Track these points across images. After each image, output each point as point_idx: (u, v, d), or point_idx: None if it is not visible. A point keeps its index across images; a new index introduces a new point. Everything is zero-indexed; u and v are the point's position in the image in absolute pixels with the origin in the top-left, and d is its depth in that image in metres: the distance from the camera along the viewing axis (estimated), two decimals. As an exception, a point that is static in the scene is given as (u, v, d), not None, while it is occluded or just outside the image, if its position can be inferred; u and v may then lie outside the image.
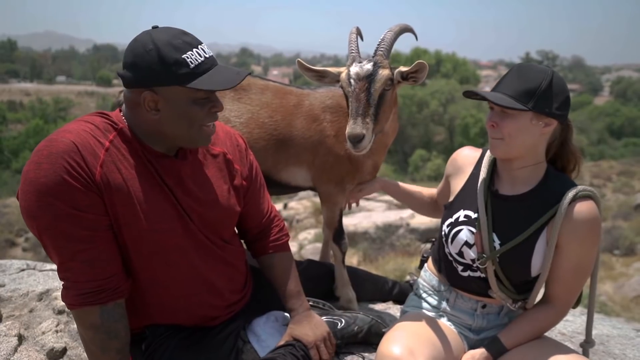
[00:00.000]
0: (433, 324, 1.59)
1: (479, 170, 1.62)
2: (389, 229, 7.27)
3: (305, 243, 7.78)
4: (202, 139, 1.39)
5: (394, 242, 7.15)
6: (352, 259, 6.80)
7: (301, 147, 2.08)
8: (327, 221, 2.20)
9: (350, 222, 7.38)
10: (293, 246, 7.48)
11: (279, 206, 10.34)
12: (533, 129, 1.44)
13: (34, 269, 2.29)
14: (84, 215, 1.25)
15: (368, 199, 10.35)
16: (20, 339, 1.73)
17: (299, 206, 10.40)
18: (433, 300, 1.69)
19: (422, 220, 7.30)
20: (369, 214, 8.37)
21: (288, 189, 2.24)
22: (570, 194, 1.44)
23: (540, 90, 1.41)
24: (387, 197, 10.70)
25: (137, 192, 1.33)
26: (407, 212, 7.77)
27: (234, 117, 2.07)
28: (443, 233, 1.63)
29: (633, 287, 7.15)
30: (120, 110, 1.39)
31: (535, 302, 1.58)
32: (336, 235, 2.20)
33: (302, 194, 10.73)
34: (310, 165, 2.10)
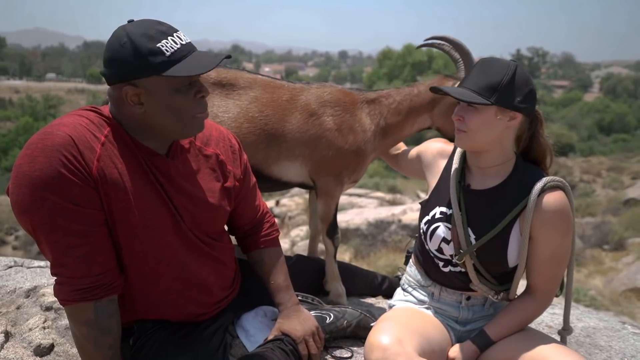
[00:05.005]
0: (420, 316, 1.61)
1: (452, 164, 1.64)
2: (380, 225, 7.31)
3: (298, 240, 7.80)
4: (195, 127, 1.38)
5: (385, 238, 7.19)
6: (344, 255, 6.82)
7: (296, 141, 2.08)
8: (322, 215, 2.21)
9: (343, 218, 7.39)
10: (285, 243, 7.48)
11: (271, 203, 10.34)
12: (497, 123, 1.46)
13: (21, 265, 2.28)
14: (81, 210, 1.24)
15: (360, 196, 10.37)
16: (7, 335, 1.72)
17: (291, 203, 10.41)
18: (419, 294, 1.71)
19: (414, 217, 7.33)
20: (360, 211, 8.40)
21: (277, 185, 2.23)
22: (539, 186, 1.46)
23: (502, 84, 1.42)
24: (379, 194, 10.74)
25: (132, 188, 1.32)
26: (399, 209, 7.80)
27: (221, 113, 2.06)
28: (422, 231, 1.66)
29: (622, 281, 7.23)
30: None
31: (519, 293, 1.61)
32: (330, 229, 2.21)
33: (294, 191, 10.73)
34: (305, 159, 2.11)
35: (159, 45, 1.24)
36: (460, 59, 2.03)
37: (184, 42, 1.29)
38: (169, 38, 1.27)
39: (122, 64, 1.25)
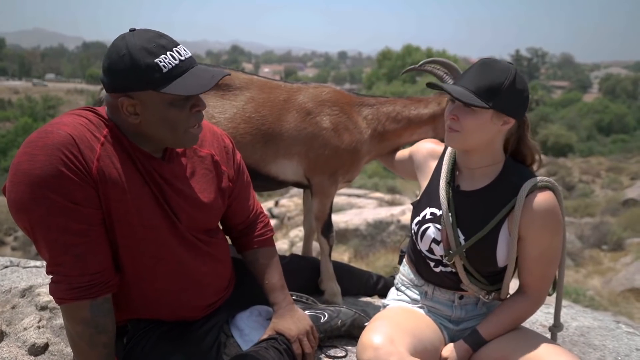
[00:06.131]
0: (413, 315, 1.61)
1: (442, 165, 1.65)
2: (379, 226, 7.28)
3: (297, 240, 7.78)
4: (188, 141, 1.38)
5: (384, 238, 7.17)
6: (343, 255, 6.81)
7: (293, 139, 2.10)
8: (317, 214, 2.22)
9: (341, 219, 7.38)
10: (284, 244, 7.47)
11: (270, 203, 10.34)
12: (491, 126, 1.46)
13: (17, 265, 2.28)
14: (80, 209, 1.24)
15: (359, 197, 10.36)
16: (2, 335, 1.73)
17: (290, 203, 10.39)
18: (412, 294, 1.71)
19: (412, 217, 7.29)
20: (359, 211, 8.38)
21: (274, 184, 2.24)
22: (527, 186, 1.46)
23: (502, 88, 1.41)
24: (378, 194, 10.73)
25: (130, 188, 1.32)
26: (397, 209, 7.79)
27: (217, 114, 2.06)
28: (413, 231, 1.66)
29: (620, 281, 7.20)
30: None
31: (510, 293, 1.61)
32: (325, 228, 2.22)
33: (293, 191, 10.73)
34: (302, 157, 2.12)
35: (157, 60, 1.24)
36: (446, 76, 2.04)
37: (183, 58, 1.29)
38: (168, 53, 1.26)
39: (119, 75, 1.25)
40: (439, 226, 1.58)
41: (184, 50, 1.31)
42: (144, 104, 1.28)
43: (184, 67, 1.28)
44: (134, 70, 1.23)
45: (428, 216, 1.62)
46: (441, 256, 1.58)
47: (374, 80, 41.29)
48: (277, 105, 2.11)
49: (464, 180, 1.59)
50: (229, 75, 1.37)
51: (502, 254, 1.52)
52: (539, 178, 1.49)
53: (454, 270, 1.58)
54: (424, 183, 1.72)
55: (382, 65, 42.53)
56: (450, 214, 1.55)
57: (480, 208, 1.53)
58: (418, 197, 1.72)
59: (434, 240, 1.59)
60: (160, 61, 1.24)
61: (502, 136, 1.52)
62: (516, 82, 1.42)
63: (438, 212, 1.59)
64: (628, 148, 34.33)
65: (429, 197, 1.65)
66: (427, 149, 1.78)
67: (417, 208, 1.68)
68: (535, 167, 1.56)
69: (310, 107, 2.11)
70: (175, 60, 1.27)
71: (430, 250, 1.61)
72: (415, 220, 1.65)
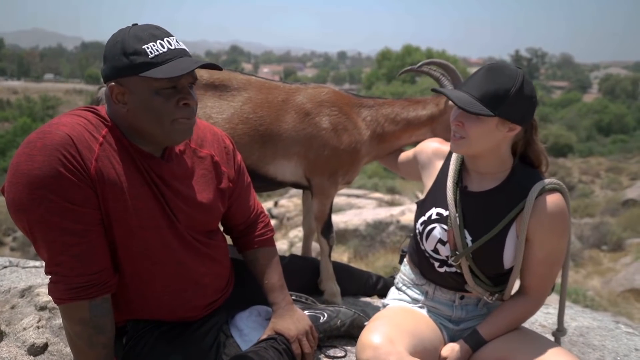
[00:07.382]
0: (413, 315, 1.61)
1: (448, 165, 1.64)
2: (379, 226, 7.28)
3: (296, 241, 7.78)
4: (178, 133, 1.35)
5: (384, 239, 7.16)
6: (343, 256, 6.81)
7: (292, 139, 2.10)
8: (317, 214, 2.22)
9: (341, 219, 7.38)
10: (284, 244, 7.47)
11: (269, 204, 10.34)
12: (497, 133, 1.44)
13: (16, 265, 2.28)
14: (78, 209, 1.25)
15: (359, 197, 10.37)
16: (1, 335, 1.72)
17: (289, 204, 10.39)
18: (413, 293, 1.71)
19: (412, 217, 7.26)
20: (359, 212, 8.38)
21: (272, 185, 2.24)
22: (537, 188, 1.45)
23: (509, 96, 1.38)
24: (378, 195, 10.73)
25: (128, 189, 1.32)
26: (397, 209, 7.79)
27: (215, 114, 2.06)
28: (417, 231, 1.65)
29: (620, 282, 7.20)
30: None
31: (512, 293, 1.61)
32: (325, 228, 2.22)
33: (292, 192, 10.73)
34: (301, 158, 2.13)
35: (144, 46, 1.26)
36: (443, 77, 2.05)
37: (172, 47, 1.29)
38: (158, 41, 1.28)
39: (110, 61, 1.28)
40: (445, 226, 1.57)
41: (177, 41, 1.32)
42: (131, 92, 1.29)
43: (171, 55, 1.28)
44: (122, 54, 1.26)
45: (434, 216, 1.61)
46: (447, 257, 1.58)
47: (374, 80, 41.27)
48: (275, 106, 2.10)
49: (472, 181, 1.58)
50: (221, 69, 1.40)
51: (509, 256, 1.51)
52: (547, 180, 1.48)
53: (458, 271, 1.57)
54: (429, 183, 1.70)
55: (381, 65, 42.50)
56: (457, 215, 1.54)
57: (487, 209, 1.52)
58: (423, 197, 1.71)
59: (440, 241, 1.58)
60: (148, 47, 1.26)
61: (509, 141, 1.50)
62: (524, 89, 1.40)
63: (444, 213, 1.58)
64: (628, 148, 34.35)
65: (434, 197, 1.64)
66: (432, 148, 1.76)
67: (422, 208, 1.67)
68: (543, 169, 1.56)
69: (309, 107, 2.11)
70: (164, 48, 1.28)
71: (436, 251, 1.60)
72: (420, 220, 1.65)
